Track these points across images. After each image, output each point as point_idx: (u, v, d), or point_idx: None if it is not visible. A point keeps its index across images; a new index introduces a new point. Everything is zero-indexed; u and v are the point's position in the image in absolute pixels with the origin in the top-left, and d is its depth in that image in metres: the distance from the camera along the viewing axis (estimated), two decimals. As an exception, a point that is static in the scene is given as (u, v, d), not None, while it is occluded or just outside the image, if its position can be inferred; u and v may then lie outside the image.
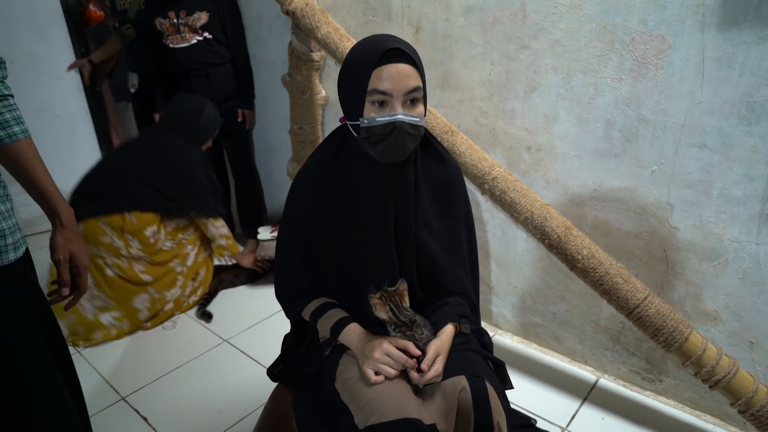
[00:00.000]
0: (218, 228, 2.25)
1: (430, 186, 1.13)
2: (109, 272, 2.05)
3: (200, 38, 2.47)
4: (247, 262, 2.47)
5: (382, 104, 0.99)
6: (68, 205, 1.08)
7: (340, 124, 1.12)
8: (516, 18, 1.63)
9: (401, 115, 0.99)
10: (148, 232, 2.08)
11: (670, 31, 1.37)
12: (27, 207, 2.85)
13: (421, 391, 1.00)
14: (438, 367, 0.99)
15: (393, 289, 1.05)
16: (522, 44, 1.65)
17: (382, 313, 1.04)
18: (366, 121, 1.00)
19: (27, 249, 0.97)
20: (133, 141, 2.31)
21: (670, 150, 1.46)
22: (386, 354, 0.99)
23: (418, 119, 1.01)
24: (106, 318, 2.07)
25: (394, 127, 0.99)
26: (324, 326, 1.10)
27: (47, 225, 1.05)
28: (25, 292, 0.95)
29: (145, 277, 2.12)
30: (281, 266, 1.21)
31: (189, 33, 2.46)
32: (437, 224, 1.13)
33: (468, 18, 1.74)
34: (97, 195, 2.05)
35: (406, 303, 1.06)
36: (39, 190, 1.04)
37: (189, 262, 2.29)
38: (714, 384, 1.33)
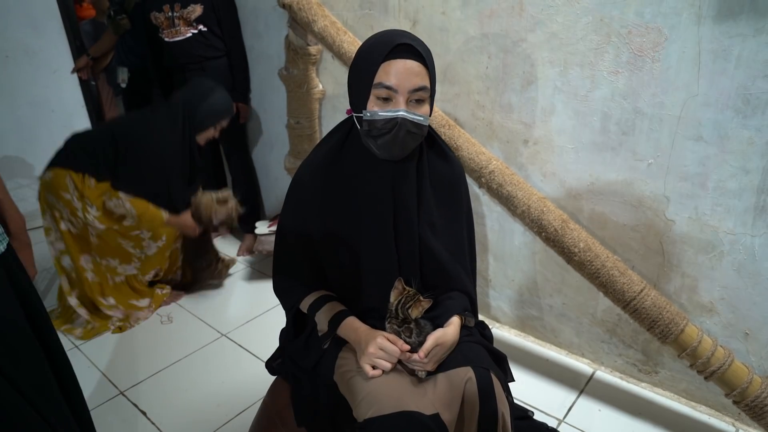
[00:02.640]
0: (115, 207, 2.05)
1: (435, 184, 1.12)
2: (62, 226, 2.07)
3: (195, 31, 2.45)
4: (181, 222, 2.22)
5: (386, 99, 0.98)
6: (18, 213, 1.07)
7: (347, 116, 1.10)
8: (513, 11, 1.63)
9: (403, 113, 0.97)
10: (108, 201, 2.05)
11: (667, 23, 1.36)
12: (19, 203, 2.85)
13: (423, 381, 1.01)
14: (432, 357, 0.99)
15: (422, 297, 1.04)
16: (519, 37, 1.64)
17: (392, 297, 1.05)
18: (368, 114, 0.99)
19: (9, 244, 0.96)
20: (129, 112, 2.29)
21: (666, 143, 1.46)
22: (380, 348, 1.00)
23: (421, 119, 0.99)
24: (74, 301, 2.11)
25: (395, 123, 0.97)
26: (322, 319, 1.10)
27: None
28: (8, 287, 0.93)
29: (93, 240, 2.11)
30: (280, 258, 1.20)
31: (184, 26, 2.44)
32: (441, 224, 1.12)
33: (465, 11, 1.74)
34: (71, 150, 2.07)
35: (413, 313, 1.04)
36: None
37: (149, 251, 2.21)
38: (709, 375, 1.34)
